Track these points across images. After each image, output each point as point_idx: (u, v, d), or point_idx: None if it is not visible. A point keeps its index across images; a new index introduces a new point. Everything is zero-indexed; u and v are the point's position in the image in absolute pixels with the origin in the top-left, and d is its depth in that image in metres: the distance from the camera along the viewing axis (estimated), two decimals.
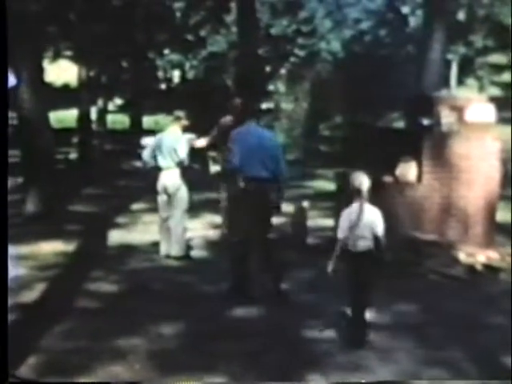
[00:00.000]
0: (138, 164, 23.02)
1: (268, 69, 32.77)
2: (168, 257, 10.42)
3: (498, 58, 42.72)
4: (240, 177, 8.43)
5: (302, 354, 6.71)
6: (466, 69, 39.40)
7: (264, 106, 26.80)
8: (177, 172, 10.53)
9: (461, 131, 10.60)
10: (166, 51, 34.95)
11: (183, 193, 10.62)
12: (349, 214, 7.05)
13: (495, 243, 10.83)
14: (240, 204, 8.57)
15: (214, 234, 12.09)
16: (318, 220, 12.78)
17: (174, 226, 10.50)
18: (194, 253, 10.90)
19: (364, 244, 6.99)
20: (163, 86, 40.54)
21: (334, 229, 11.44)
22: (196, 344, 6.91)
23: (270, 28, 33.63)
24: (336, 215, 11.67)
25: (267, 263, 8.58)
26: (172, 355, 6.63)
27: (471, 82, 40.67)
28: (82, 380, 5.98)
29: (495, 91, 38.43)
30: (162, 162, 10.51)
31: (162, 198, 10.58)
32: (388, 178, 10.58)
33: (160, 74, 39.11)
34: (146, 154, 10.73)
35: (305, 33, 34.22)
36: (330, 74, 28.75)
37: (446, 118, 10.58)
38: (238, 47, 24.90)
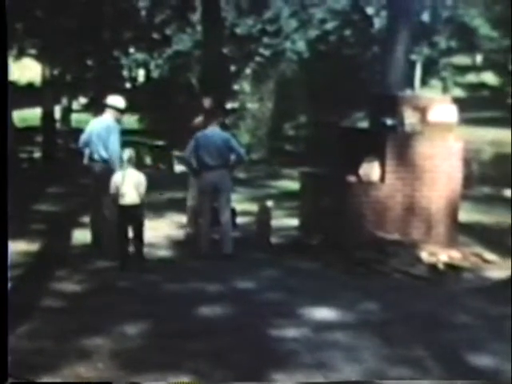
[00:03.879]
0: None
1: (233, 68, 32.75)
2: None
3: (461, 59, 43.10)
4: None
5: (267, 353, 6.72)
6: (430, 70, 39.68)
7: (229, 105, 26.77)
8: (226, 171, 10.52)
9: (424, 131, 10.71)
10: (131, 50, 34.80)
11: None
12: (115, 178, 9.72)
13: (458, 243, 10.96)
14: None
15: (178, 233, 12.07)
16: (282, 219, 12.82)
17: (225, 223, 10.53)
18: (159, 252, 10.89)
19: (130, 199, 9.60)
20: (128, 85, 40.35)
21: (299, 228, 11.62)
22: (161, 343, 6.90)
23: (235, 27, 33.62)
24: (301, 215, 11.79)
25: None
26: (137, 354, 6.61)
27: (435, 82, 40.99)
28: (46, 380, 5.96)
29: (459, 92, 38.76)
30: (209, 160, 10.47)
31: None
32: (352, 178, 10.66)
33: (125, 72, 38.91)
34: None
35: (270, 32, 34.23)
36: (295, 74, 28.75)
37: (409, 118, 10.68)
38: (203, 46, 24.85)
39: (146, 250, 10.50)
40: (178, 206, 13.27)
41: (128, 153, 9.88)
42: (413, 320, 7.85)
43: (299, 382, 6.06)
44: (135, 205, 9.73)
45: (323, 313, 7.98)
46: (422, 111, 10.80)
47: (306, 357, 6.64)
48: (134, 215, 9.78)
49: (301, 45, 34.13)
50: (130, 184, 9.67)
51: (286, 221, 12.72)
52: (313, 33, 34.71)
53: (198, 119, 11.46)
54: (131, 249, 9.94)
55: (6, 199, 5.09)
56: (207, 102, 11.67)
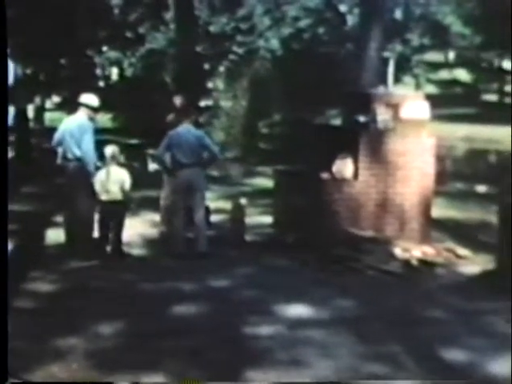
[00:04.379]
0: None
1: (207, 66, 32.70)
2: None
3: (434, 56, 43.31)
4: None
5: (242, 351, 6.73)
6: (403, 67, 39.80)
7: (203, 103, 26.74)
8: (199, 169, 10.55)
9: (396, 128, 10.76)
10: (105, 48, 34.60)
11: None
12: (100, 174, 10.03)
13: (431, 239, 11.01)
14: None
15: (152, 232, 12.04)
16: (256, 217, 12.81)
17: (199, 222, 10.54)
18: (134, 251, 10.86)
19: (113, 196, 9.94)
20: (102, 84, 40.13)
21: (273, 226, 11.64)
22: (136, 342, 6.88)
23: (209, 25, 33.54)
24: (275, 212, 11.81)
25: None
26: (112, 354, 6.60)
27: (408, 79, 41.14)
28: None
29: (432, 89, 38.93)
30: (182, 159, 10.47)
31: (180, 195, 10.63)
32: (325, 175, 10.68)
33: (98, 71, 38.69)
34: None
35: (243, 30, 34.18)
36: (269, 72, 28.73)
37: (382, 114, 10.73)
38: (176, 45, 24.78)
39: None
40: (152, 204, 13.23)
41: (111, 150, 10.07)
42: (387, 316, 7.88)
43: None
44: (118, 201, 9.97)
45: (298, 310, 7.99)
46: (395, 108, 10.85)
47: (281, 354, 6.65)
48: (116, 212, 10.02)
49: (274, 43, 34.12)
50: (114, 181, 9.89)
51: (260, 218, 12.71)
52: (286, 31, 34.74)
53: (171, 117, 11.44)
54: (109, 246, 9.98)
55: (6, 199, 5.10)
56: (180, 100, 11.67)
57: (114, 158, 10.01)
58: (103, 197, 9.91)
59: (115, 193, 9.90)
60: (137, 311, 7.87)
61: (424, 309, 8.18)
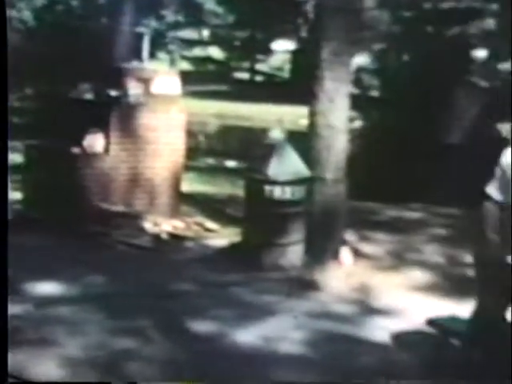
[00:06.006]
0: None
1: None
2: None
3: (188, 34, 43.84)
4: None
5: None
6: (158, 43, 39.97)
7: None
8: None
9: (147, 103, 10.81)
10: None
11: None
12: None
13: (181, 213, 11.19)
14: None
15: None
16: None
17: None
18: None
19: None
20: None
21: (23, 202, 11.34)
22: None
23: None
24: (25, 188, 11.52)
25: None
26: None
27: (163, 55, 41.37)
28: None
29: (186, 65, 39.42)
30: None
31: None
32: (76, 150, 10.56)
33: None
34: None
35: None
36: (22, 44, 27.86)
37: (133, 89, 10.74)
38: None
39: None
40: None
41: None
42: (137, 290, 7.93)
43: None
44: None
45: (47, 288, 7.90)
46: (146, 83, 10.89)
47: (29, 333, 6.56)
48: None
49: (27, 14, 33.15)
50: None
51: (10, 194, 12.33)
52: (38, 2, 33.84)
53: None
54: None
55: (6, 199, 4.69)
56: None
57: None
58: None
59: None
60: None
61: (173, 282, 8.31)
